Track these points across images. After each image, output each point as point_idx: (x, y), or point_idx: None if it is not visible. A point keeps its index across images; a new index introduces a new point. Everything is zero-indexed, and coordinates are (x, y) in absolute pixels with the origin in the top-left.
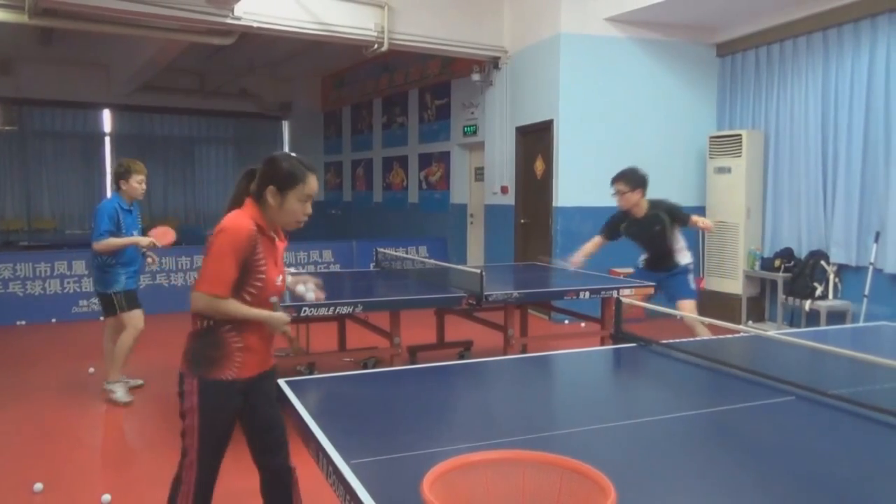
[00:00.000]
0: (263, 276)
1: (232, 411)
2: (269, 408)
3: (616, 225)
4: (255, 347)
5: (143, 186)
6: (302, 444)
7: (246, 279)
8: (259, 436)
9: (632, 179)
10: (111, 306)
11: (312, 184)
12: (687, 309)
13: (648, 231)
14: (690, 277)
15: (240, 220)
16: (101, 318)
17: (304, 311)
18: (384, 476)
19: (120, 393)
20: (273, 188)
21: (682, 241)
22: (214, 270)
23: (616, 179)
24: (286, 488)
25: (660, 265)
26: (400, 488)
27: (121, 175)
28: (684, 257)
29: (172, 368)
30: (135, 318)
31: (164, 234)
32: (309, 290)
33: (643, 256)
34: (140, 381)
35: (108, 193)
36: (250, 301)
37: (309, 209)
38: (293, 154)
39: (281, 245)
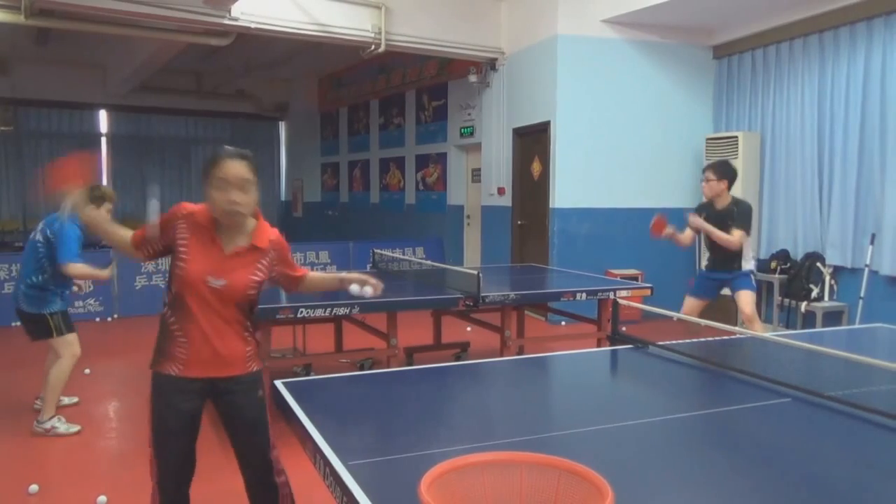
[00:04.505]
0: (182, 265)
1: (179, 410)
2: (238, 418)
3: (698, 214)
4: (197, 345)
5: (108, 217)
6: (298, 446)
7: (172, 262)
8: (234, 446)
9: (720, 169)
10: (44, 329)
11: (226, 167)
12: (744, 298)
13: (722, 225)
14: (752, 279)
15: (186, 203)
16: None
17: (301, 312)
18: (381, 477)
19: (62, 427)
20: (203, 181)
21: (751, 248)
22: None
23: (707, 168)
24: (271, 501)
25: (724, 266)
26: (397, 490)
27: (92, 199)
28: (748, 263)
29: None
30: (73, 345)
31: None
32: (363, 287)
33: (708, 256)
34: (75, 399)
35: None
36: (176, 282)
37: (232, 196)
38: (227, 146)
39: (246, 252)
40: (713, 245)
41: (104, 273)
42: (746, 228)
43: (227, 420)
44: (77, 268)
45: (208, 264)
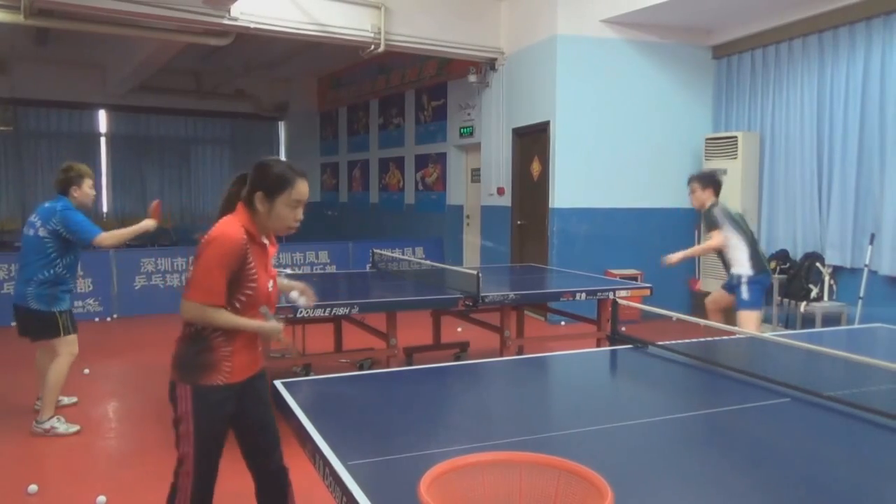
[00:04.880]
0: (255, 285)
1: (225, 416)
2: (260, 409)
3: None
4: (243, 352)
5: (93, 192)
6: (298, 446)
7: (237, 287)
8: (251, 438)
9: (700, 179)
10: (52, 328)
11: (301, 189)
12: (740, 322)
13: (710, 230)
14: (744, 289)
15: (230, 229)
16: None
17: (301, 312)
18: (381, 477)
19: (61, 427)
20: (261, 194)
21: (740, 250)
22: (205, 280)
23: (692, 180)
24: (282, 490)
25: (725, 269)
26: (397, 490)
27: (72, 180)
28: (738, 267)
29: (166, 369)
30: (72, 344)
31: (157, 209)
32: (300, 296)
33: None
34: (74, 399)
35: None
36: (240, 307)
37: (300, 214)
38: (282, 159)
39: (272, 249)
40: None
41: (144, 224)
42: (716, 227)
43: (249, 413)
44: (110, 236)
45: (268, 273)
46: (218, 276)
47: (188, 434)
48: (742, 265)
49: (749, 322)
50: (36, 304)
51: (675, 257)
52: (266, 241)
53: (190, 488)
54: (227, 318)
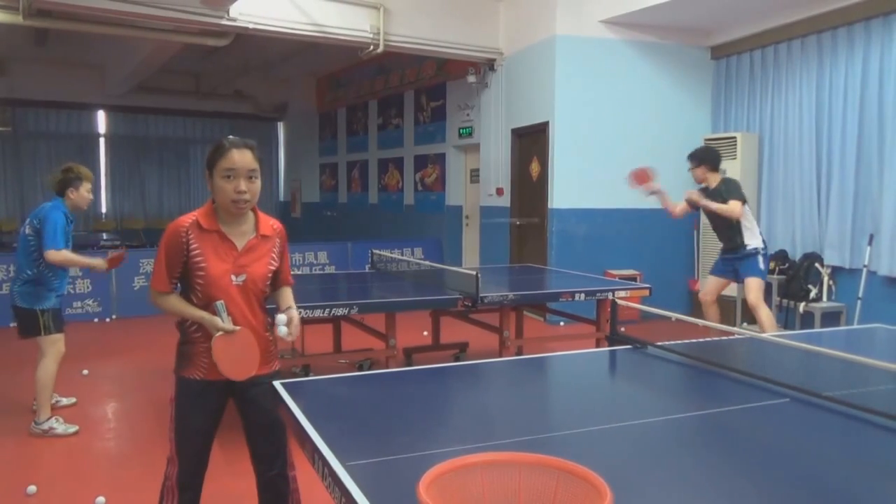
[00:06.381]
0: (203, 273)
1: (203, 411)
2: (259, 416)
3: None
4: None
5: (91, 196)
6: (297, 446)
7: (190, 275)
8: (251, 443)
9: (695, 156)
10: (33, 326)
11: (232, 156)
12: (751, 286)
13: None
14: (760, 259)
15: (177, 219)
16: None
17: (299, 312)
18: (380, 478)
19: (60, 427)
20: (207, 173)
21: (752, 222)
22: (154, 266)
23: (687, 157)
24: (280, 496)
25: (729, 245)
26: (396, 490)
27: (70, 182)
28: (753, 239)
29: (164, 370)
30: (57, 343)
31: (116, 261)
32: (284, 325)
33: (721, 244)
34: (73, 400)
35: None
36: (200, 297)
37: (240, 186)
38: (232, 136)
39: (254, 241)
40: (716, 228)
41: (96, 262)
42: (739, 198)
43: (247, 417)
44: (58, 254)
45: (228, 263)
46: (161, 262)
47: (172, 420)
48: (757, 238)
49: (758, 288)
50: (20, 301)
51: (695, 196)
52: (225, 230)
53: (175, 475)
54: (174, 304)
